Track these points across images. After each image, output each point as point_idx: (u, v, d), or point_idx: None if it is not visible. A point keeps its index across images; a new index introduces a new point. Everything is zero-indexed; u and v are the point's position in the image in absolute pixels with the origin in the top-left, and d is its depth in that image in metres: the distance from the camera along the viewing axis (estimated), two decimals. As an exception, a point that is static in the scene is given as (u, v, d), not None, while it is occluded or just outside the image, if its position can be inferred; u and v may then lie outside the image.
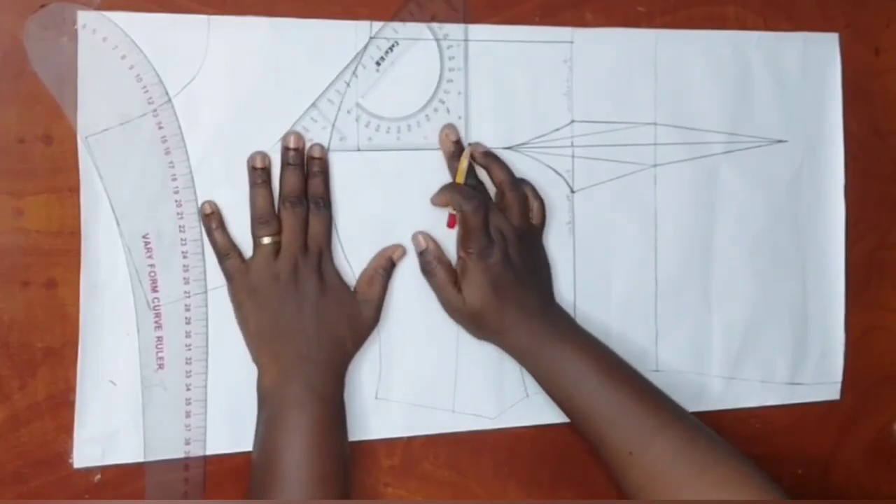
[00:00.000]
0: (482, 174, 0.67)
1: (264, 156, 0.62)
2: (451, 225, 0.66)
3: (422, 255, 0.66)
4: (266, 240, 0.62)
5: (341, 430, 0.62)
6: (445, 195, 0.65)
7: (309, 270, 0.62)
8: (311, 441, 0.59)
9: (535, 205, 0.67)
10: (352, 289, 0.64)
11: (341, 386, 0.63)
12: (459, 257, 0.65)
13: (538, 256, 0.68)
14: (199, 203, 0.62)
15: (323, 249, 0.63)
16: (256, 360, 0.62)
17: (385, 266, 0.65)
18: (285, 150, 0.63)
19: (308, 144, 0.64)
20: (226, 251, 0.62)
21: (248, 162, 0.63)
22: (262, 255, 0.62)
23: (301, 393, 0.60)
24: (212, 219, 0.62)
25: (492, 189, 0.67)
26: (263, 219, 0.62)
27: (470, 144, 0.67)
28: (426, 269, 0.65)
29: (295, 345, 0.61)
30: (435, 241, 0.66)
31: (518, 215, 0.65)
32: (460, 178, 0.65)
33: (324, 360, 0.61)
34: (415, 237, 0.66)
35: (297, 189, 0.63)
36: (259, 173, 0.62)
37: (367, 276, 0.65)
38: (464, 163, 0.65)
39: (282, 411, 0.60)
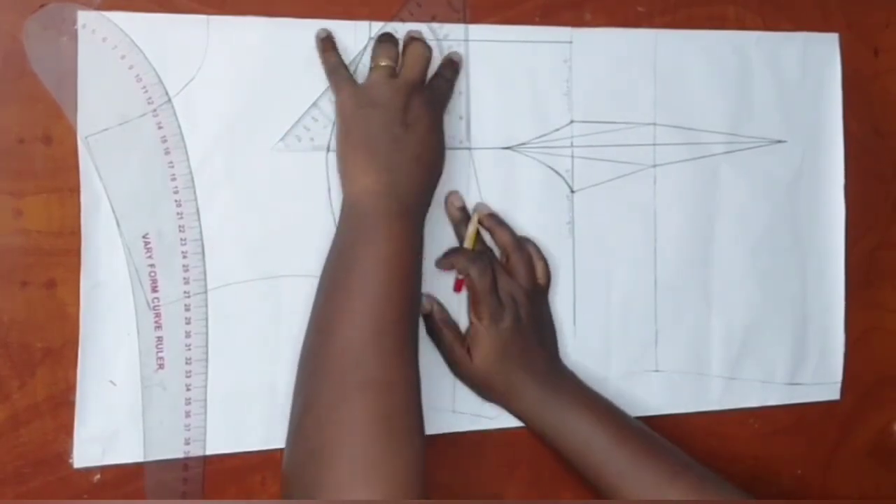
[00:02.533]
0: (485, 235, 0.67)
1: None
2: (457, 289, 0.66)
3: (427, 318, 0.65)
4: (384, 61, 0.62)
5: (421, 260, 0.61)
6: (451, 260, 0.65)
7: (423, 103, 0.61)
8: (399, 260, 0.58)
9: (539, 265, 0.67)
10: None
11: (423, 222, 0.62)
12: (471, 322, 0.65)
13: (546, 316, 0.68)
14: (199, 203, 0.62)
15: (444, 98, 0.64)
16: (345, 175, 0.61)
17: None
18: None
19: None
20: (335, 67, 0.62)
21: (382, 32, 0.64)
22: (377, 75, 0.62)
23: (391, 213, 0.59)
24: (326, 42, 0.63)
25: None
26: (384, 42, 0.62)
27: (476, 209, 0.67)
28: (432, 332, 0.65)
29: (391, 166, 0.59)
30: (440, 304, 0.66)
31: (525, 276, 0.66)
32: (470, 244, 0.66)
33: (415, 190, 0.61)
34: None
35: (421, 34, 0.64)
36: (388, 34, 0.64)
37: None
38: (472, 228, 0.66)
39: (372, 226, 0.58)
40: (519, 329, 0.64)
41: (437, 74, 0.65)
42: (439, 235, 0.66)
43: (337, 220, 0.63)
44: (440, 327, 0.65)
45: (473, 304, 0.64)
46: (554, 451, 0.66)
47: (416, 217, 0.61)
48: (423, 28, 0.66)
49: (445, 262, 0.65)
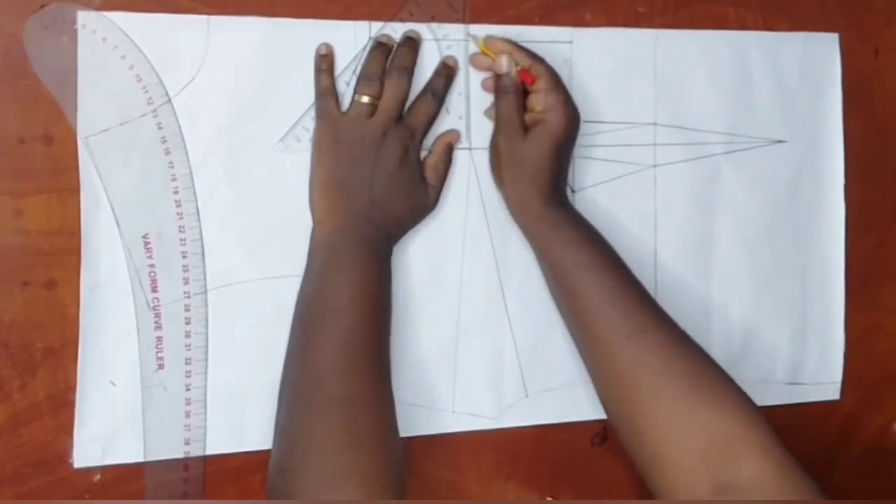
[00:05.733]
0: None
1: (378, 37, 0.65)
2: (529, 82, 0.64)
3: (504, 77, 0.64)
4: (365, 98, 0.63)
5: (389, 290, 0.63)
6: (516, 57, 0.64)
7: (395, 140, 0.62)
8: (369, 287, 0.60)
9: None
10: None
11: (390, 254, 0.64)
12: (530, 112, 0.64)
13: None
14: (199, 203, 0.62)
15: (417, 130, 0.64)
16: (315, 209, 0.63)
17: (446, 151, 0.66)
18: (405, 37, 0.65)
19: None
20: (325, 91, 0.63)
21: (374, 41, 0.64)
22: (357, 111, 0.63)
23: (358, 245, 0.61)
24: (325, 60, 0.63)
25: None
26: (370, 77, 0.63)
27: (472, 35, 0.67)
28: (503, 90, 0.64)
29: (358, 202, 0.62)
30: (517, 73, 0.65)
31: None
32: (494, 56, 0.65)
33: (381, 225, 0.62)
34: (500, 59, 0.64)
35: (409, 63, 0.64)
36: (380, 45, 0.64)
37: (431, 162, 0.65)
38: (481, 45, 0.66)
39: (340, 256, 0.61)
40: (567, 130, 0.63)
41: (424, 91, 0.65)
42: (438, 242, 0.67)
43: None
44: (511, 88, 0.63)
45: (541, 93, 0.63)
46: (544, 260, 0.65)
47: (383, 248, 0.63)
48: (422, 28, 0.66)
49: (507, 62, 0.64)
